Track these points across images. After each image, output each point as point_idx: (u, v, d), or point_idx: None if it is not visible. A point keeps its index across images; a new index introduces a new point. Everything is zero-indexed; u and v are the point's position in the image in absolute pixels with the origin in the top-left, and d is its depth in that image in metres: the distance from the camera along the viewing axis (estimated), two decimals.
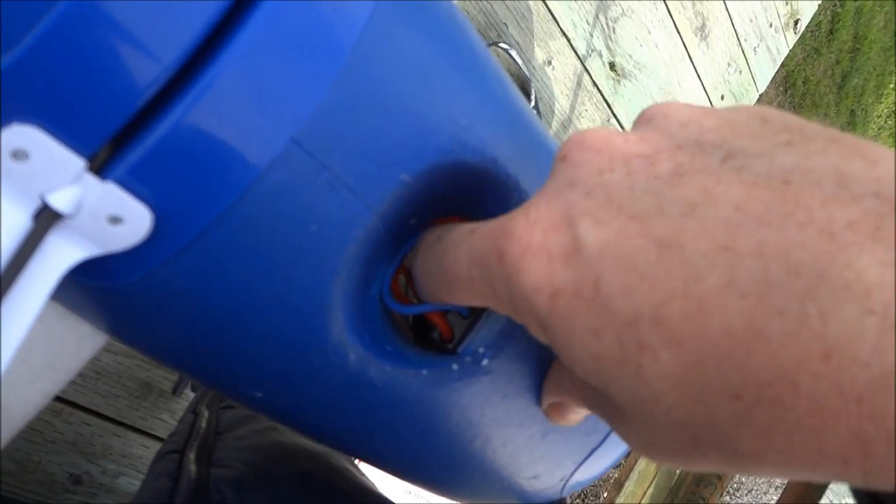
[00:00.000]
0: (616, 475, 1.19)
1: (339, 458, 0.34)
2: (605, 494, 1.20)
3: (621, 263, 0.13)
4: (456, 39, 0.20)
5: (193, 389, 0.59)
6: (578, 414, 0.22)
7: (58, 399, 0.54)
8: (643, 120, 0.16)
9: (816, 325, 0.10)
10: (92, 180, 0.14)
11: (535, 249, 0.15)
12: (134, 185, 0.15)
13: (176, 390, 0.59)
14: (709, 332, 0.12)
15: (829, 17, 1.65)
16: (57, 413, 0.54)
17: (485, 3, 0.81)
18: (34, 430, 0.50)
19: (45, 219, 0.14)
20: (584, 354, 0.14)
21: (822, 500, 1.31)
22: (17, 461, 0.52)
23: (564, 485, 0.28)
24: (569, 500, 0.29)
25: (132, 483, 0.58)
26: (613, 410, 0.16)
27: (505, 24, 0.84)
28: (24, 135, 0.13)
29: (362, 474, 0.34)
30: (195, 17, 0.14)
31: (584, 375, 0.15)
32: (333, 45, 0.16)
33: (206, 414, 0.36)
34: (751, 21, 1.31)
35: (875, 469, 0.10)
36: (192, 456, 0.30)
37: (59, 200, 0.14)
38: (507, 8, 0.84)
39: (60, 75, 0.13)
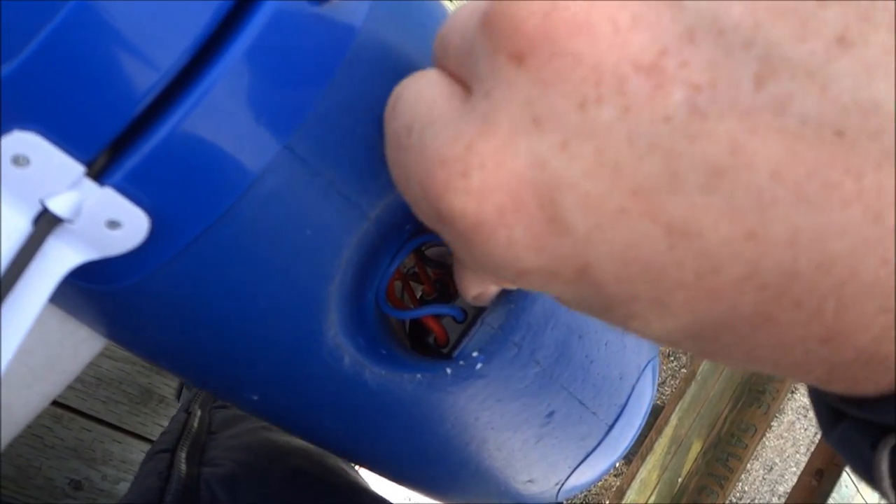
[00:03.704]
0: (618, 483, 1.19)
1: (333, 457, 0.34)
2: (607, 503, 1.19)
3: (618, 253, 0.10)
4: None
5: (188, 387, 0.59)
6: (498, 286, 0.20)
7: (58, 405, 0.54)
8: (500, 55, 0.11)
9: (829, 318, 0.10)
10: (91, 186, 0.15)
11: (487, 229, 0.11)
12: (132, 190, 0.15)
13: (179, 396, 0.60)
14: (714, 314, 0.10)
15: None
16: (57, 419, 0.54)
17: None
18: (35, 436, 0.50)
19: (45, 223, 0.15)
20: (556, 296, 0.12)
21: None
22: (18, 466, 0.52)
23: (559, 489, 0.28)
24: None
25: None
26: None
27: None
28: (25, 141, 0.14)
29: (356, 473, 0.34)
30: (191, 26, 0.14)
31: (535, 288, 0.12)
32: (327, 53, 0.16)
33: (198, 413, 0.36)
34: None
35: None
36: (182, 455, 0.30)
37: (59, 205, 0.15)
38: None
39: (60, 83, 0.14)
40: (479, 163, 0.11)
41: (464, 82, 0.13)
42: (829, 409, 0.13)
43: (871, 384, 0.11)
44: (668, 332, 0.11)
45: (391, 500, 0.30)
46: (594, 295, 0.11)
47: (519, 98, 0.11)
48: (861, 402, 0.11)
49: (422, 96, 0.13)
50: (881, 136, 0.09)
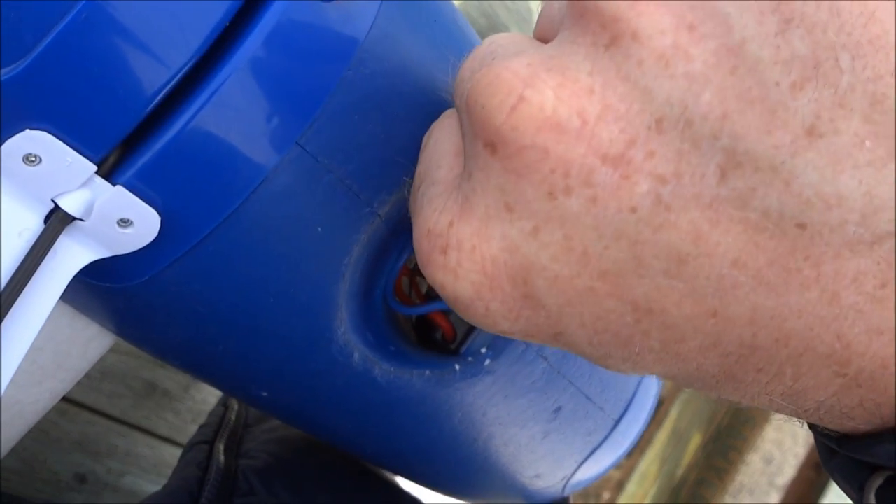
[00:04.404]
0: (617, 476, 1.19)
1: None
2: (607, 495, 1.20)
3: (589, 324, 0.11)
4: (458, 44, 0.20)
5: None
6: None
7: (63, 399, 0.54)
8: (598, 30, 0.10)
9: (788, 380, 0.11)
10: (102, 184, 0.15)
11: (465, 301, 0.12)
12: (142, 188, 0.15)
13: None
14: (682, 371, 0.12)
15: None
16: (62, 413, 0.54)
17: (486, 5, 0.81)
18: (40, 430, 0.51)
19: (57, 221, 0.15)
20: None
21: (823, 502, 1.31)
22: (24, 460, 0.52)
23: (566, 484, 0.28)
24: (571, 500, 0.29)
25: (136, 482, 0.58)
26: None
27: (507, 26, 0.85)
28: (36, 139, 0.14)
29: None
30: (203, 23, 0.14)
31: None
32: (338, 50, 0.16)
33: (235, 407, 0.37)
34: None
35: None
36: (220, 446, 0.31)
37: (70, 204, 0.15)
38: (509, 10, 0.84)
39: (71, 81, 0.13)
40: (456, 243, 0.12)
41: None
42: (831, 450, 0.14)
43: (839, 427, 0.11)
44: (643, 371, 0.12)
45: (424, 501, 0.30)
46: (570, 350, 0.12)
47: (493, 184, 0.11)
48: (842, 439, 0.12)
49: (437, 148, 0.14)
50: (843, 227, 0.09)
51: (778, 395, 0.11)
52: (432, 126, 0.15)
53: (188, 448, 0.34)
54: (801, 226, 0.09)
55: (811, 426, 0.14)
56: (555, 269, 0.11)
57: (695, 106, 0.09)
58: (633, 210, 0.10)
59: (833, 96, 0.09)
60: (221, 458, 0.30)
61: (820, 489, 1.40)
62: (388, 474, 0.32)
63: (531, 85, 0.10)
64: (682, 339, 0.11)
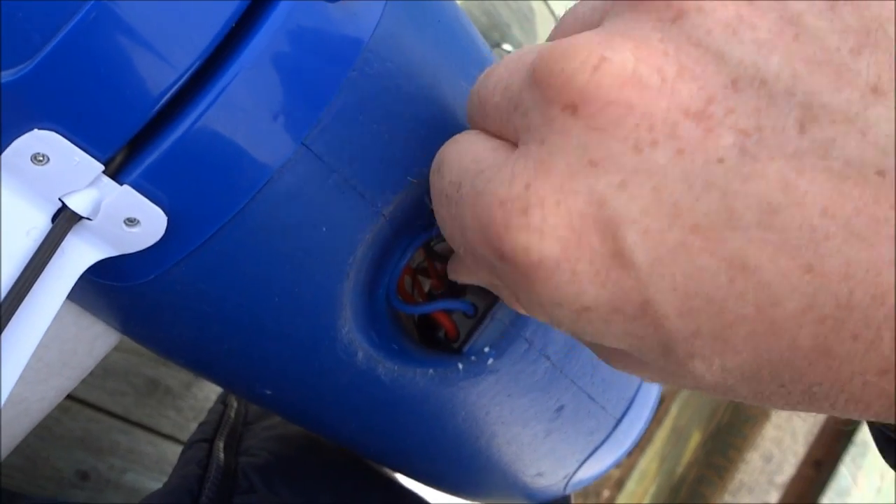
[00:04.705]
0: (617, 474, 1.20)
1: None
2: (606, 493, 1.20)
3: (681, 286, 0.11)
4: (462, 43, 0.20)
5: None
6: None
7: (66, 396, 0.54)
8: (662, 7, 0.11)
9: (886, 349, 0.10)
10: (109, 183, 0.15)
11: (551, 264, 0.11)
12: (149, 188, 0.15)
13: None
14: (773, 348, 0.11)
15: None
16: (65, 410, 0.54)
17: (488, 4, 0.81)
18: (43, 427, 0.51)
19: (64, 221, 0.15)
20: (613, 344, 0.12)
21: (823, 500, 1.31)
22: (26, 457, 0.52)
23: (567, 482, 0.28)
24: (572, 498, 0.29)
25: (139, 479, 0.58)
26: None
27: (508, 25, 0.85)
28: (44, 139, 0.14)
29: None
30: (210, 24, 0.14)
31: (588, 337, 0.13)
32: (343, 50, 0.16)
33: (234, 405, 0.37)
34: None
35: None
36: (220, 444, 0.31)
37: (77, 203, 0.15)
38: (511, 9, 0.84)
39: (79, 82, 0.14)
40: (538, 201, 0.11)
41: (507, 137, 0.13)
42: (890, 441, 0.13)
43: None
44: (727, 373, 0.11)
45: (427, 499, 0.30)
46: (654, 333, 0.11)
47: (574, 143, 0.11)
48: None
49: (465, 153, 0.14)
50: None
51: (873, 371, 0.10)
52: (441, 151, 0.15)
53: (188, 446, 0.34)
54: (881, 173, 0.10)
55: (873, 426, 0.14)
56: (645, 222, 0.11)
57: (766, 67, 0.10)
58: (721, 161, 0.10)
59: (888, 59, 0.09)
60: (221, 455, 0.30)
61: (819, 487, 1.40)
62: (389, 472, 0.32)
63: (610, 47, 0.11)
64: (778, 302, 0.10)
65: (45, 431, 0.53)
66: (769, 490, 1.36)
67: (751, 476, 1.29)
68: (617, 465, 0.28)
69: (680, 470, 1.29)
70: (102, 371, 0.56)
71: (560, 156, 0.11)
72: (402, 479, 0.31)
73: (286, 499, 0.27)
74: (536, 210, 0.11)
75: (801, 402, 0.11)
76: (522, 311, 0.14)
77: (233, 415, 0.36)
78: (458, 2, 0.80)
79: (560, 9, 0.91)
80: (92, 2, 0.13)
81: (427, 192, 0.19)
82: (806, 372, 0.11)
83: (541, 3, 0.88)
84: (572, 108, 0.11)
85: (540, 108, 0.11)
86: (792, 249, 0.10)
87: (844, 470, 1.45)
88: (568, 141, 0.11)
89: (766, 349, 0.11)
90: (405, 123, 0.18)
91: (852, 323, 0.10)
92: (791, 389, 0.11)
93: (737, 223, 0.10)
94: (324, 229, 0.17)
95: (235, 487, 0.27)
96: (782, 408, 0.12)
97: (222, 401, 0.40)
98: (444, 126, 0.19)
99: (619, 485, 1.21)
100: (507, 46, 0.84)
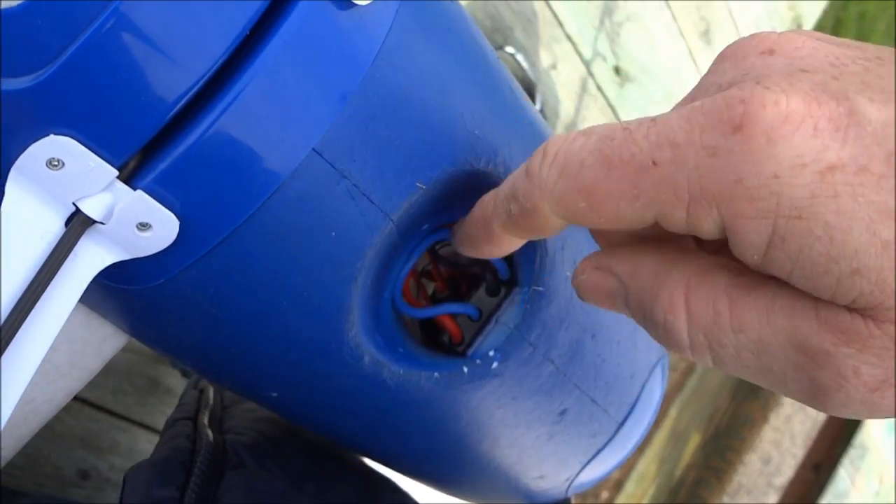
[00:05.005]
0: (616, 476, 1.20)
1: None
2: (605, 494, 1.21)
3: None
4: (470, 51, 0.20)
5: (185, 376, 0.60)
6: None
7: None
8: (751, 56, 0.14)
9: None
10: (122, 188, 0.15)
11: (797, 117, 0.12)
12: (162, 193, 0.15)
13: (185, 374, 0.60)
14: None
15: (833, 21, 1.65)
16: (66, 409, 0.54)
17: (491, 7, 0.82)
18: (44, 426, 0.51)
19: (78, 224, 0.15)
20: (865, 243, 0.12)
21: (821, 502, 1.31)
22: (27, 455, 0.52)
23: (570, 485, 0.28)
24: (573, 501, 0.29)
25: None
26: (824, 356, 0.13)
27: (511, 27, 0.85)
28: (60, 144, 0.14)
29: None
30: (225, 32, 0.14)
31: (829, 287, 0.12)
32: (354, 58, 0.16)
33: (210, 389, 0.37)
34: (755, 25, 1.31)
35: None
36: (205, 421, 0.31)
37: (91, 207, 0.15)
38: (514, 12, 0.84)
39: (95, 88, 0.14)
40: (775, 83, 0.13)
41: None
42: None
43: None
44: None
45: (398, 484, 0.30)
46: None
47: (776, 66, 0.13)
48: None
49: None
50: None
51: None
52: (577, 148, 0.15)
53: (170, 424, 0.34)
54: None
55: None
56: (868, 93, 0.12)
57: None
58: None
59: None
60: (209, 431, 0.30)
61: (818, 490, 1.41)
62: (360, 460, 0.32)
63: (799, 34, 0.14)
64: None
65: (47, 430, 0.53)
66: (768, 492, 1.37)
67: (749, 478, 1.30)
68: (619, 468, 0.28)
69: (679, 472, 1.29)
70: (103, 370, 0.56)
71: (767, 72, 0.13)
72: (379, 467, 0.31)
73: (277, 476, 0.27)
74: (778, 84, 0.12)
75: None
76: (706, 223, 0.13)
77: (210, 397, 0.36)
78: (463, 4, 0.80)
79: (563, 12, 0.91)
80: (109, 10, 0.13)
81: (433, 197, 0.19)
82: None
83: (544, 6, 0.89)
84: (769, 51, 0.14)
85: (742, 62, 0.14)
86: None
87: (843, 472, 1.45)
88: (770, 67, 0.13)
89: None
90: (415, 130, 0.18)
91: None
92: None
93: None
94: (333, 234, 0.17)
95: (226, 462, 0.27)
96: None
97: (195, 386, 0.40)
98: (452, 132, 0.19)
99: (618, 486, 1.21)
100: (509, 49, 0.84)
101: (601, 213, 0.14)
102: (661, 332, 0.15)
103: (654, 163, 0.13)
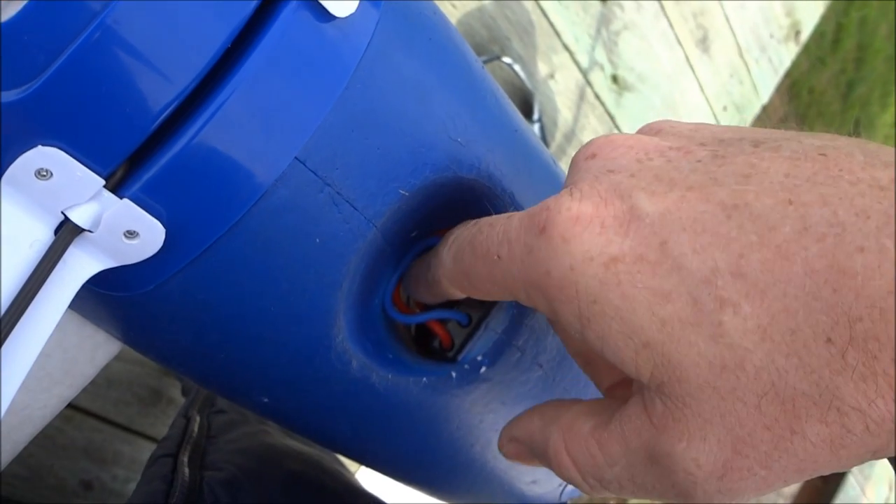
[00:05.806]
0: None
1: (329, 460, 0.34)
2: (612, 503, 1.19)
3: (688, 226, 0.13)
4: (453, 60, 0.21)
5: (184, 394, 0.60)
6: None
7: (70, 406, 0.55)
8: (650, 133, 0.16)
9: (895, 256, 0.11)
10: (109, 197, 0.15)
11: (585, 219, 0.14)
12: (148, 201, 0.16)
13: (185, 391, 0.61)
14: (792, 277, 0.12)
15: (834, 27, 1.66)
16: (69, 420, 0.55)
17: (488, 18, 0.82)
18: (46, 437, 0.51)
19: (66, 233, 0.15)
20: (647, 322, 0.13)
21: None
22: (30, 467, 0.53)
23: (563, 490, 0.28)
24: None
25: None
26: (660, 449, 0.14)
27: (508, 38, 0.86)
28: (48, 155, 0.14)
29: (351, 475, 0.35)
30: (209, 44, 0.15)
31: (631, 360, 0.13)
32: (336, 68, 0.17)
33: (197, 418, 0.37)
34: (752, 32, 1.31)
35: None
36: (185, 459, 0.31)
37: (79, 216, 0.15)
38: (510, 22, 0.85)
39: (82, 100, 0.14)
40: (577, 191, 0.15)
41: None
42: None
43: None
44: (763, 330, 0.12)
45: (387, 502, 0.31)
46: (678, 280, 0.13)
47: (594, 168, 0.15)
48: None
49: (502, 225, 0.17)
50: (854, 155, 0.13)
51: None
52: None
53: (152, 461, 0.34)
54: (823, 154, 0.13)
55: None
56: (651, 189, 0.14)
57: (721, 137, 0.15)
58: (699, 161, 0.14)
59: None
60: (186, 470, 0.30)
61: (828, 498, 1.39)
62: (353, 479, 0.32)
63: (626, 135, 0.16)
64: (774, 226, 0.12)
65: (49, 441, 0.53)
66: (776, 500, 1.35)
67: None
68: None
69: None
70: (106, 381, 0.56)
71: (585, 174, 0.15)
72: (374, 487, 0.31)
73: None
74: (575, 190, 0.15)
75: (860, 364, 0.11)
76: (540, 305, 0.16)
77: (196, 429, 0.36)
78: (459, 15, 0.81)
79: (560, 22, 0.92)
80: (95, 23, 0.14)
81: (418, 204, 0.20)
82: (838, 303, 0.11)
83: (541, 15, 0.89)
84: (592, 156, 0.16)
85: (574, 168, 0.16)
86: (770, 191, 0.12)
87: (853, 480, 1.43)
88: (590, 170, 0.15)
89: (785, 280, 0.12)
90: (397, 138, 0.18)
91: (849, 236, 0.11)
92: (838, 343, 0.11)
93: (720, 183, 0.13)
94: (317, 241, 0.18)
95: (201, 502, 0.27)
96: (844, 391, 0.12)
97: (184, 415, 0.40)
98: (435, 140, 0.19)
99: None
100: (507, 59, 0.85)
101: (480, 290, 0.18)
102: (567, 481, 0.17)
103: (498, 256, 0.16)
